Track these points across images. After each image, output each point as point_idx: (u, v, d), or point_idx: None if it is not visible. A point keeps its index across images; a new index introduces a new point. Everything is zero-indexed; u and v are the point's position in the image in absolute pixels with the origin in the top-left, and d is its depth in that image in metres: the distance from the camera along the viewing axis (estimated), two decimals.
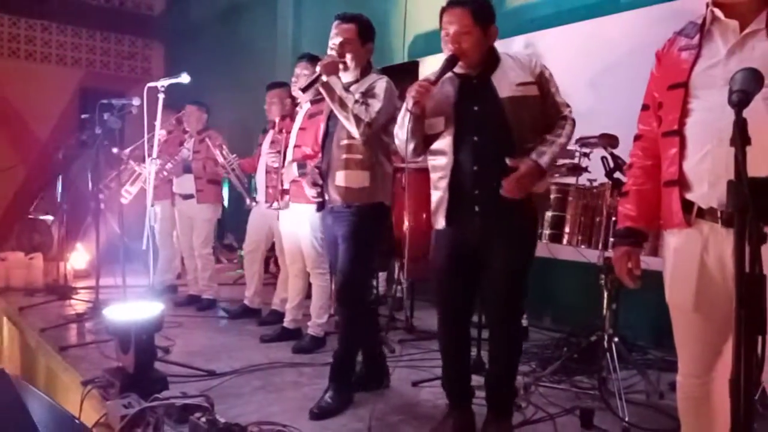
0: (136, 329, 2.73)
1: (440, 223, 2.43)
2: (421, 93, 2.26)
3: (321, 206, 2.98)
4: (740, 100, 1.19)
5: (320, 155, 3.01)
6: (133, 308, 2.88)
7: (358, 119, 2.66)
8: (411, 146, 2.37)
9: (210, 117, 5.09)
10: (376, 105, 2.70)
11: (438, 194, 2.43)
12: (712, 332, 1.69)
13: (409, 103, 2.28)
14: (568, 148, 2.76)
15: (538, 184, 2.31)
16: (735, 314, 1.04)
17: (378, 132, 2.77)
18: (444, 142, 2.38)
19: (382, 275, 4.84)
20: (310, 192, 2.99)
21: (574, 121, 2.41)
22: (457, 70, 2.37)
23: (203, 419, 2.34)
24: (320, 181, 2.91)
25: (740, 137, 1.09)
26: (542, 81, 2.36)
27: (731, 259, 1.54)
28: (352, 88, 2.78)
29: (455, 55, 2.31)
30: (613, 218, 2.87)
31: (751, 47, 1.53)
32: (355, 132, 2.70)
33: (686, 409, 1.80)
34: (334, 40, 2.81)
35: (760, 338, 1.02)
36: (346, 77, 2.84)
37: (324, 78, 2.69)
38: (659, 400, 2.96)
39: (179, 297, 5.20)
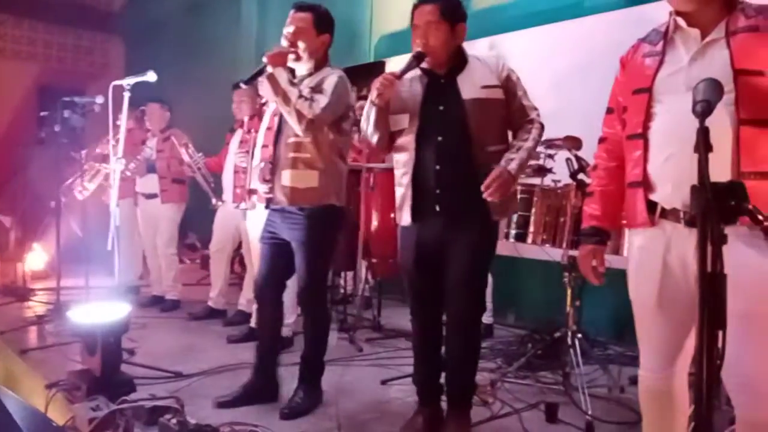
0: (102, 331, 2.69)
1: (405, 219, 2.47)
2: (384, 85, 2.30)
3: (269, 203, 2.86)
4: (704, 110, 1.25)
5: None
6: (99, 310, 2.83)
7: (300, 115, 2.57)
8: (375, 138, 2.46)
9: (171, 115, 5.02)
10: (321, 101, 2.61)
11: (401, 190, 2.48)
12: (674, 328, 1.75)
13: (373, 94, 2.33)
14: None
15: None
16: (698, 311, 1.10)
17: (327, 130, 2.70)
18: (407, 139, 2.43)
19: (349, 274, 4.87)
20: (262, 188, 2.89)
21: (542, 124, 2.45)
22: (426, 68, 2.42)
23: (174, 421, 2.32)
24: (269, 177, 2.81)
25: (703, 145, 1.15)
26: (508, 84, 2.40)
27: (693, 257, 1.62)
28: (305, 82, 2.72)
29: (422, 52, 2.35)
30: (578, 218, 2.94)
31: (712, 55, 1.60)
32: (297, 129, 2.62)
33: (648, 402, 1.86)
34: (287, 29, 2.72)
35: (720, 333, 1.08)
36: (300, 69, 2.78)
37: (269, 69, 2.60)
38: (620, 393, 3.06)
39: (142, 298, 5.11)
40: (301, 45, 2.71)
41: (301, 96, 2.60)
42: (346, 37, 6.08)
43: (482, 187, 2.27)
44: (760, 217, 1.36)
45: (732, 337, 1.15)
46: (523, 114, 2.41)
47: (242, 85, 2.65)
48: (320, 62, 2.79)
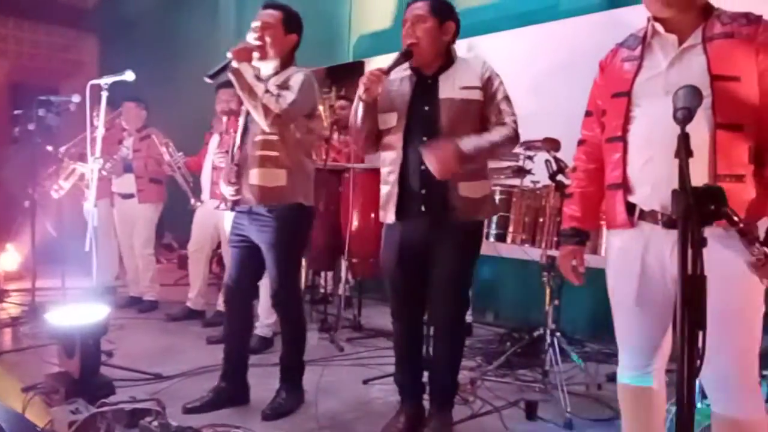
0: (81, 333, 2.65)
1: (390, 217, 2.48)
2: (371, 80, 2.31)
3: (234, 205, 2.83)
4: (684, 116, 1.29)
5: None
6: (77, 311, 2.80)
7: (266, 110, 2.55)
8: (363, 135, 2.48)
9: (148, 114, 4.96)
10: (288, 96, 2.59)
11: (387, 188, 2.49)
12: (652, 326, 1.79)
13: (360, 89, 2.34)
14: (515, 151, 2.86)
15: (462, 166, 2.29)
16: (679, 312, 1.13)
17: (294, 128, 2.69)
18: (395, 138, 2.44)
19: (329, 274, 4.87)
20: (227, 190, 2.80)
21: (515, 132, 2.38)
22: (416, 68, 2.44)
23: (155, 423, 2.30)
24: (234, 179, 2.77)
25: (684, 150, 1.18)
26: (488, 86, 2.39)
27: (670, 258, 1.67)
28: (271, 81, 2.69)
29: (410, 49, 2.37)
30: (557, 218, 2.99)
31: (689, 60, 1.64)
32: (264, 124, 2.60)
33: (626, 400, 1.90)
34: (255, 24, 2.69)
35: (700, 333, 1.12)
36: (265, 69, 2.76)
37: (234, 64, 2.58)
38: (598, 390, 3.12)
39: (119, 299, 5.05)
40: (267, 40, 2.69)
41: (267, 91, 2.58)
42: (324, 36, 6.08)
43: (423, 147, 2.29)
44: (736, 219, 1.41)
45: (708, 336, 1.18)
46: (498, 116, 2.39)
47: (207, 80, 2.63)
48: (286, 62, 2.77)
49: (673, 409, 2.33)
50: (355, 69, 5.32)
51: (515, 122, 2.40)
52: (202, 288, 4.59)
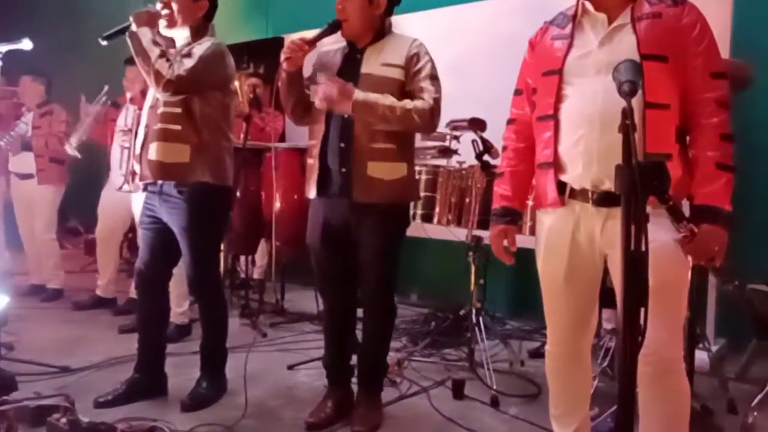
0: None
1: (312, 192, 2.43)
2: (292, 50, 2.24)
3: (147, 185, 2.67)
4: (630, 89, 1.28)
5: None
6: None
7: (158, 75, 2.40)
8: (289, 106, 2.42)
9: (50, 88, 4.59)
10: (186, 63, 2.45)
11: (311, 161, 2.43)
12: (580, 303, 1.82)
13: (281, 59, 2.27)
14: (439, 130, 2.82)
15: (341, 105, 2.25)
16: (621, 288, 1.13)
17: (200, 101, 2.53)
18: (319, 111, 2.38)
19: (249, 258, 4.71)
20: (137, 168, 2.64)
21: (431, 109, 2.29)
22: (349, 40, 2.37)
23: (63, 420, 2.15)
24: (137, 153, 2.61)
25: (630, 124, 1.17)
26: (411, 63, 2.32)
27: (600, 235, 1.69)
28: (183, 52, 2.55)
29: (338, 20, 2.30)
30: (483, 199, 3.00)
31: (619, 40, 1.66)
32: (156, 90, 2.47)
33: (554, 374, 1.93)
34: None
35: (642, 310, 1.12)
36: (179, 39, 2.63)
37: (133, 28, 2.44)
38: (521, 367, 3.18)
39: (20, 287, 4.68)
40: (174, 6, 2.55)
41: (163, 56, 2.43)
42: (241, 10, 5.85)
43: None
44: (666, 197, 1.43)
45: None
46: (419, 95, 2.31)
47: (102, 42, 2.45)
48: (200, 32, 2.63)
49: (595, 381, 2.42)
50: (273, 45, 5.14)
51: (435, 100, 2.31)
52: (113, 275, 4.33)
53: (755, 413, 2.36)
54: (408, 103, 2.27)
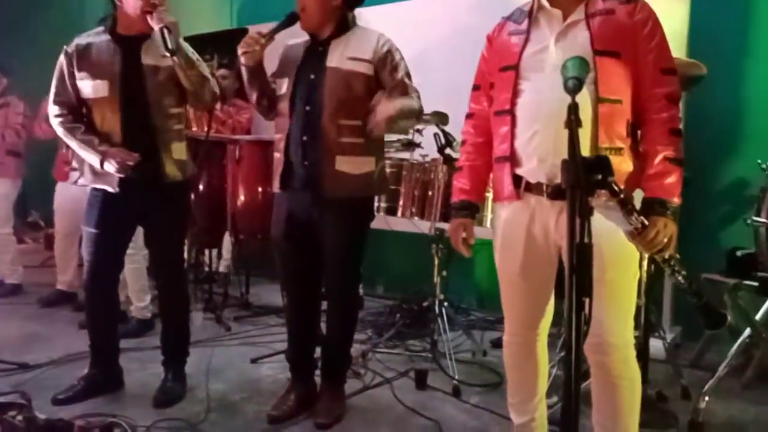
0: None
1: (276, 185, 2.43)
2: (248, 44, 2.24)
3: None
4: (575, 86, 1.31)
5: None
6: None
7: (214, 95, 2.58)
8: (253, 100, 2.44)
9: (9, 80, 4.47)
10: (206, 68, 2.58)
11: (277, 155, 2.43)
12: (536, 294, 1.86)
13: (239, 53, 2.27)
14: None
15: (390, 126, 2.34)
16: (567, 279, 1.16)
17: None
18: (283, 105, 2.38)
19: (214, 252, 4.68)
20: (114, 167, 2.46)
21: (422, 108, 2.41)
22: (312, 33, 2.37)
23: (19, 417, 2.11)
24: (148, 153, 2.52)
25: (574, 120, 1.20)
26: (385, 61, 2.32)
27: (554, 228, 1.73)
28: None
29: (296, 12, 2.29)
30: (445, 192, 3.03)
31: (574, 35, 1.69)
32: (202, 108, 2.73)
33: (512, 364, 1.97)
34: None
35: (587, 300, 1.15)
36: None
37: (171, 44, 2.35)
38: (483, 357, 3.23)
39: None
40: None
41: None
42: (207, 2, 5.77)
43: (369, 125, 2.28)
44: (617, 190, 1.47)
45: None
46: (404, 91, 2.34)
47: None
48: None
49: (554, 370, 2.47)
50: (237, 36, 5.07)
51: (419, 98, 2.38)
52: (75, 270, 4.24)
53: (706, 398, 2.45)
54: (413, 104, 2.34)
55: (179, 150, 2.59)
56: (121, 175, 2.47)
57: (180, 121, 2.61)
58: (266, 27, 2.29)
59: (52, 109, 2.55)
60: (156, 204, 2.57)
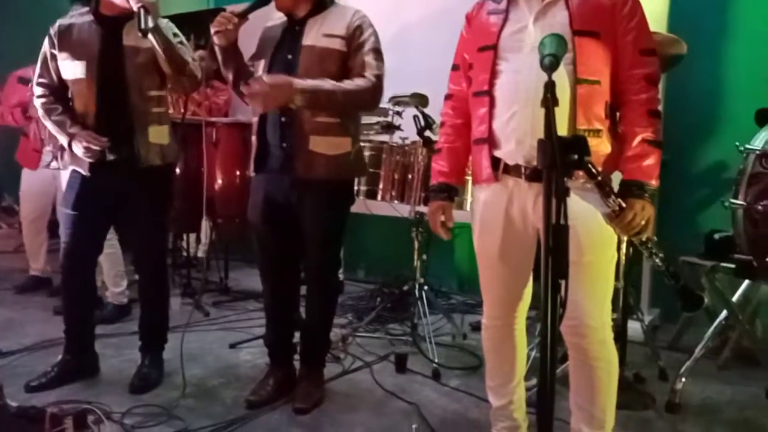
0: None
1: (251, 168, 2.40)
2: (221, 23, 2.19)
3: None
4: (551, 63, 1.28)
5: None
6: None
7: (193, 78, 2.50)
8: (230, 82, 2.40)
9: None
10: (189, 53, 2.51)
11: (254, 138, 2.39)
12: (514, 277, 1.85)
13: (212, 32, 2.22)
14: (381, 106, 2.80)
15: (291, 101, 2.18)
16: (543, 261, 1.14)
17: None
18: None
19: (192, 236, 4.62)
20: (81, 151, 2.43)
21: (373, 86, 2.26)
22: (289, 13, 2.32)
23: None
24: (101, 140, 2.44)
25: (551, 99, 1.18)
26: (354, 36, 2.27)
27: (532, 210, 1.71)
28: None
29: None
30: (425, 175, 3.00)
31: (553, 15, 1.66)
32: (183, 91, 2.62)
33: (490, 347, 1.96)
34: None
35: (563, 282, 1.14)
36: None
37: (151, 23, 2.27)
38: (463, 340, 3.23)
39: None
40: None
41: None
42: None
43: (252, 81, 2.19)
44: (595, 172, 1.46)
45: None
46: (360, 70, 2.27)
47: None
48: None
49: (533, 353, 2.48)
50: (214, 15, 4.98)
51: (377, 77, 2.27)
52: (45, 254, 4.17)
53: (683, 380, 2.48)
54: (348, 84, 2.22)
55: (157, 134, 2.52)
56: (89, 159, 2.43)
57: (160, 104, 2.55)
58: (242, 7, 2.23)
59: (36, 90, 2.56)
60: (133, 188, 2.52)
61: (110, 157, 2.47)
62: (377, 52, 2.31)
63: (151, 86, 2.49)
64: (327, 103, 2.22)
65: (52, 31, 2.51)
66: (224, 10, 2.21)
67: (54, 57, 2.50)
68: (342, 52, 2.27)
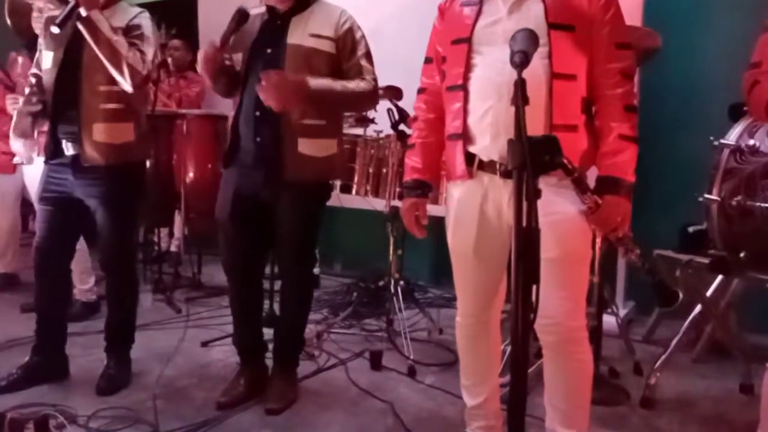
0: None
1: (225, 163, 2.37)
2: (207, 60, 2.19)
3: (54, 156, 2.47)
4: (521, 60, 1.24)
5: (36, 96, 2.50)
6: None
7: (134, 71, 2.31)
8: (222, 94, 2.40)
9: None
10: (149, 52, 2.38)
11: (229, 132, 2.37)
12: (489, 275, 1.81)
13: (199, 70, 2.25)
14: None
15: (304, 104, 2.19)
16: (513, 265, 1.11)
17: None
18: (239, 79, 2.29)
19: (164, 230, 4.54)
20: (18, 146, 2.49)
21: (374, 90, 2.32)
22: (271, 6, 2.27)
23: None
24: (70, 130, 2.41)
25: (521, 97, 1.14)
26: (346, 39, 2.26)
27: (507, 207, 1.67)
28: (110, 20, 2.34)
29: (243, 9, 2.22)
30: (400, 169, 2.96)
31: (528, 8, 1.62)
32: (128, 86, 2.33)
33: (465, 345, 1.93)
34: None
35: (534, 287, 1.10)
36: None
37: (82, 12, 2.24)
38: (439, 335, 3.20)
39: None
40: None
41: (133, 45, 2.33)
42: None
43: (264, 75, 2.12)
44: (570, 168, 1.42)
45: (543, 281, 1.18)
46: (358, 72, 2.28)
47: (54, 30, 2.21)
48: None
49: (508, 349, 2.45)
50: (186, 6, 4.88)
51: (375, 80, 2.32)
52: (16, 251, 4.06)
53: (658, 374, 2.48)
54: (353, 84, 2.24)
55: (102, 132, 2.39)
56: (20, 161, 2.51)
57: (110, 100, 2.39)
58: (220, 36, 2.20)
59: (30, 80, 2.56)
60: (86, 187, 2.44)
61: (68, 152, 2.42)
62: (369, 56, 2.33)
63: (101, 81, 2.37)
64: (332, 104, 2.26)
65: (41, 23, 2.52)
66: None
67: (39, 48, 2.50)
68: (331, 54, 2.25)
